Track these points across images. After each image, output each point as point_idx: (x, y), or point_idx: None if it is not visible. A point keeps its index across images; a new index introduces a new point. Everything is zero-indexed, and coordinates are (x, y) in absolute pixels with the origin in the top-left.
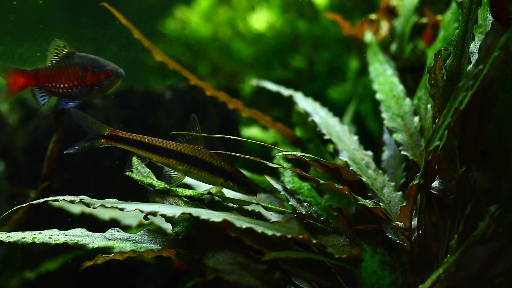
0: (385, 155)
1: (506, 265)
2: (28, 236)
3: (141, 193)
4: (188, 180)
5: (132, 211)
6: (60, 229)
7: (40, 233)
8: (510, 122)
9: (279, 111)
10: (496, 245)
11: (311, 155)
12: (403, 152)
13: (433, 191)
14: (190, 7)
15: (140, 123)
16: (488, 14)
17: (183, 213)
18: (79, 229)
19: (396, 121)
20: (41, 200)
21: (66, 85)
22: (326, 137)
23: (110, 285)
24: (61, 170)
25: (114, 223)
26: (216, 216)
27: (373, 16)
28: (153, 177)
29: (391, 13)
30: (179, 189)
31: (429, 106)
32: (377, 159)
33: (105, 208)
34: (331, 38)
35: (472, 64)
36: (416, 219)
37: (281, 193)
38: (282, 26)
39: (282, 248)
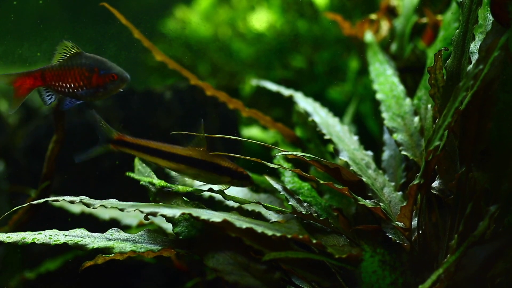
0: (385, 155)
1: (506, 265)
2: (28, 236)
3: (141, 193)
4: (187, 180)
5: (132, 211)
6: (60, 229)
7: (40, 233)
8: (510, 122)
9: (279, 111)
10: (496, 245)
11: (311, 155)
12: (403, 152)
13: (433, 191)
14: (190, 7)
15: (140, 123)
16: (488, 14)
17: (183, 213)
18: (79, 229)
19: (396, 121)
20: (41, 200)
21: (72, 85)
22: (326, 137)
23: (110, 285)
24: (61, 170)
25: (114, 223)
26: (216, 216)
27: (373, 16)
28: (154, 176)
29: (391, 13)
30: (180, 187)
31: (429, 106)
32: (377, 159)
33: (105, 208)
34: (331, 38)
35: (472, 64)
36: (416, 219)
37: (281, 193)
38: (282, 26)
39: (282, 248)
